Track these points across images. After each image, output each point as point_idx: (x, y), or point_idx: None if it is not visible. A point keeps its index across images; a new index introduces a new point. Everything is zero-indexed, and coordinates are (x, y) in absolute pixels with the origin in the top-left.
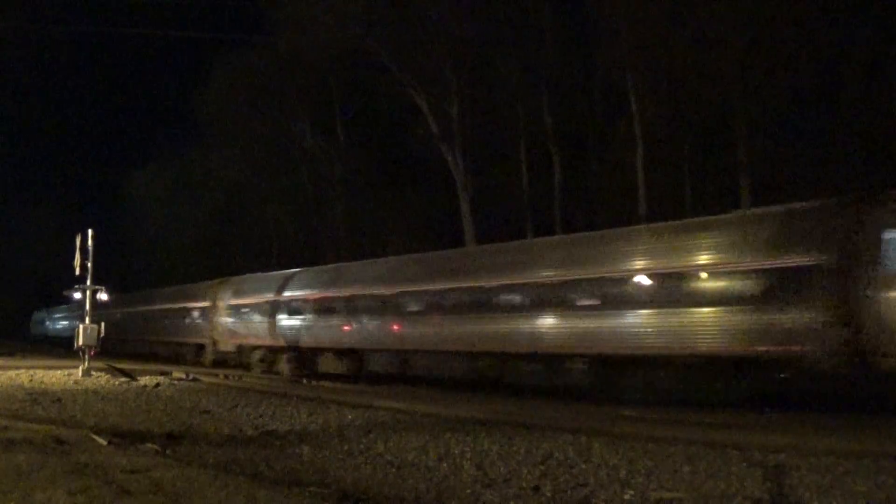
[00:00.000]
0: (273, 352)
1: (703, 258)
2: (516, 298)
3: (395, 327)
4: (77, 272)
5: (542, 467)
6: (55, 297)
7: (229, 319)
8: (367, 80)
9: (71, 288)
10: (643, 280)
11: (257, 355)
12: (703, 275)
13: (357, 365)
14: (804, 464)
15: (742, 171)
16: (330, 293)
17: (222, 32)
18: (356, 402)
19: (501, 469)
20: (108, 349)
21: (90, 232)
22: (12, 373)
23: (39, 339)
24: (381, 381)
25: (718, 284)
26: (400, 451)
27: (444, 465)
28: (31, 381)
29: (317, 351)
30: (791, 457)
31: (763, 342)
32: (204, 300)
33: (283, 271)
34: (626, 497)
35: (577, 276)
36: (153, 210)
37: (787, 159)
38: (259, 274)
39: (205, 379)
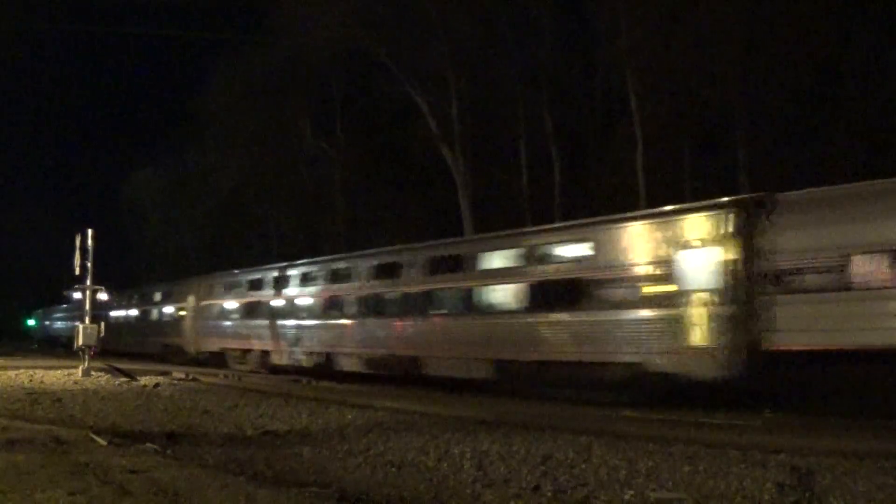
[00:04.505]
0: None
1: None
2: None
3: None
4: (77, 272)
5: (543, 467)
6: (56, 296)
7: None
8: (367, 80)
9: (70, 287)
10: None
11: None
12: None
13: None
14: (804, 464)
15: (742, 170)
16: None
17: (222, 32)
18: (356, 403)
19: (501, 469)
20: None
21: (90, 232)
22: (12, 373)
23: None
24: None
25: None
26: (400, 451)
27: (444, 465)
28: (31, 381)
29: None
30: (791, 457)
31: None
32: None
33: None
34: (626, 497)
35: None
36: (153, 210)
37: (787, 159)
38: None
39: (204, 379)
